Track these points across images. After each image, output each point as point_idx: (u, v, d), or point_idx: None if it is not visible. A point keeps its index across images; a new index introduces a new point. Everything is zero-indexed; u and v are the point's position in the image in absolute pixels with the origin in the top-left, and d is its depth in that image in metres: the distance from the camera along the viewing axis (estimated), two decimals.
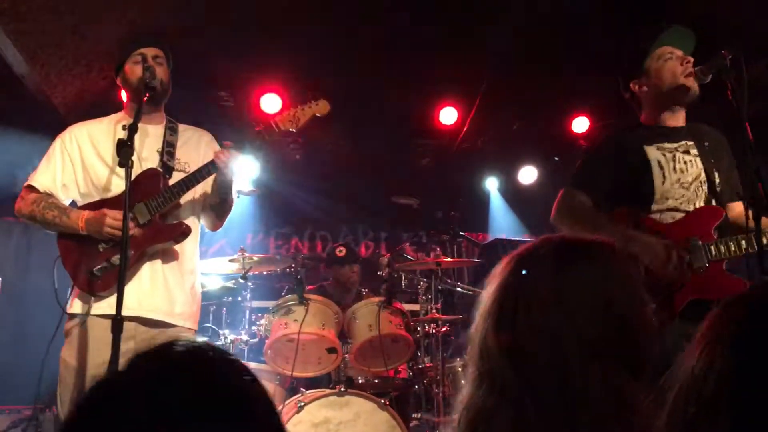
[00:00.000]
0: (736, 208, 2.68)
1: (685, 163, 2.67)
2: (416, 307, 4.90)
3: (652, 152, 2.68)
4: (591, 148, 2.84)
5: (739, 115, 2.35)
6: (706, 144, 2.71)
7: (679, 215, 2.63)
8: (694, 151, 2.69)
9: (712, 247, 2.51)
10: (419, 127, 6.59)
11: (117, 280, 2.38)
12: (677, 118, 2.76)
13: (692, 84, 2.65)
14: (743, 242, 2.46)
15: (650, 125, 2.79)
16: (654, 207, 2.64)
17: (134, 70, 2.83)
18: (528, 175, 7.09)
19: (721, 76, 2.41)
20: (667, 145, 2.70)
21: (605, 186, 2.69)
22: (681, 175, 2.65)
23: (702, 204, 2.65)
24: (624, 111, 3.02)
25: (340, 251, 5.14)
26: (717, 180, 2.67)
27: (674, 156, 2.67)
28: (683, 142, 2.71)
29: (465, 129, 6.55)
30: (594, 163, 2.82)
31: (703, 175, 2.66)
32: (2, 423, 4.14)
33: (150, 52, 2.87)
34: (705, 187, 2.66)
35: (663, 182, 2.64)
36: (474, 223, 7.24)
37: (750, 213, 2.25)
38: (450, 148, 6.83)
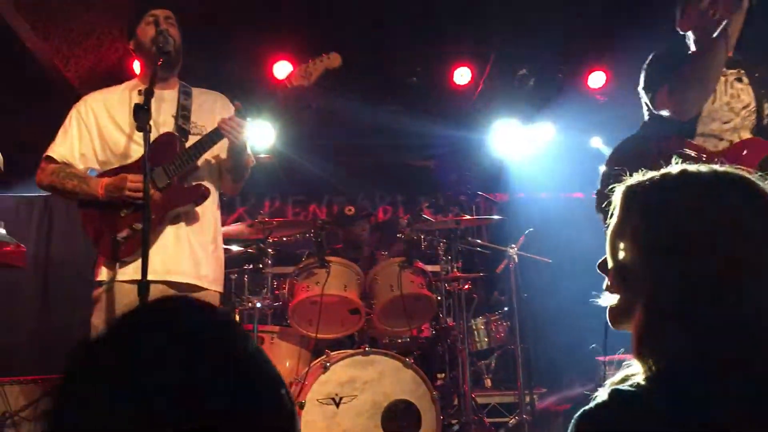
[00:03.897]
0: None
1: (738, 89, 2.63)
2: (437, 268, 4.91)
3: None
4: (651, 59, 2.77)
5: None
6: (756, 75, 2.64)
7: (722, 144, 2.57)
8: (746, 80, 2.64)
9: None
10: (433, 89, 6.53)
11: (140, 245, 2.41)
12: None
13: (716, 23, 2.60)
14: None
15: None
16: (698, 129, 2.58)
17: (147, 32, 2.81)
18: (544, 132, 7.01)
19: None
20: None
21: None
22: (731, 99, 2.60)
23: (748, 134, 2.59)
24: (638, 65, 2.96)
25: (349, 210, 5.13)
26: (766, 112, 2.60)
27: (727, 80, 2.63)
28: (735, 70, 2.67)
29: (479, 89, 6.50)
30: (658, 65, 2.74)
31: (753, 104, 2.61)
32: (35, 393, 4.22)
33: (161, 12, 2.85)
34: (753, 117, 2.60)
35: (713, 101, 2.59)
36: (490, 183, 7.20)
37: None
38: (465, 109, 6.77)
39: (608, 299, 1.16)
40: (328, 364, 3.65)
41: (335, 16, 5.27)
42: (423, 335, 4.59)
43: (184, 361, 0.76)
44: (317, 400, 3.59)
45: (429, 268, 4.54)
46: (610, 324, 1.17)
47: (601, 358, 3.85)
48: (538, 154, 6.78)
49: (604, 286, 1.17)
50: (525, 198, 6.74)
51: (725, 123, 2.58)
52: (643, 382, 1.03)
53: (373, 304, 4.17)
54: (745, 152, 2.51)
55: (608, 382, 1.14)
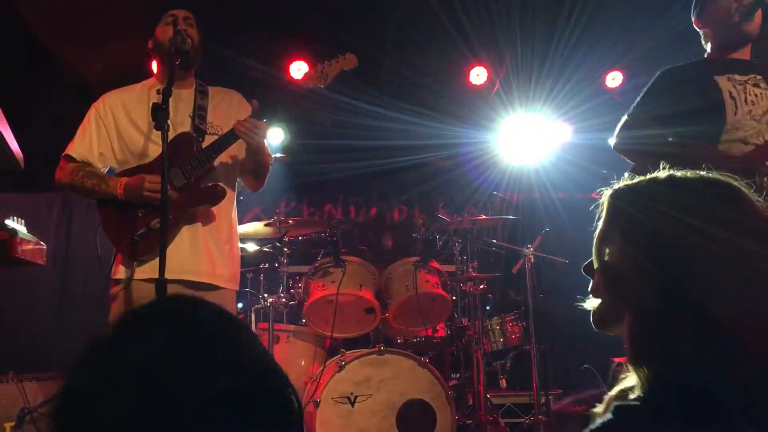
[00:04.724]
0: None
1: (756, 95, 2.63)
2: (452, 268, 4.91)
3: (723, 83, 2.65)
4: (654, 78, 2.77)
5: None
6: None
7: (748, 148, 2.58)
8: (763, 85, 2.66)
9: None
10: (450, 89, 6.53)
11: (158, 244, 2.43)
12: (742, 53, 2.72)
13: (744, 24, 2.59)
14: None
15: (717, 58, 2.76)
16: (723, 137, 2.60)
17: (165, 31, 2.83)
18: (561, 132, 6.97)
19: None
20: (737, 77, 2.67)
21: (671, 114, 2.64)
22: (752, 107, 2.61)
23: None
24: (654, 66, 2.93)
25: (389, 241, 5.21)
26: None
27: (745, 88, 2.63)
28: (752, 75, 2.67)
29: (495, 89, 6.48)
30: (658, 92, 2.76)
31: None
32: (53, 389, 4.27)
33: (180, 13, 2.87)
34: None
35: (735, 113, 2.60)
36: (506, 183, 7.17)
37: None
38: (481, 109, 6.75)
39: (593, 302, 1.17)
40: (343, 363, 3.66)
41: (351, 18, 5.28)
42: (438, 335, 4.58)
43: (187, 359, 0.77)
44: (332, 398, 3.60)
45: (444, 267, 4.54)
46: (594, 327, 1.17)
47: (616, 360, 3.82)
48: (555, 154, 6.75)
49: (590, 289, 1.18)
50: (541, 198, 6.70)
51: (748, 131, 2.58)
52: (643, 395, 1.02)
53: (389, 304, 4.17)
54: None
55: (606, 397, 1.13)
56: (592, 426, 1.00)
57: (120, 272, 2.75)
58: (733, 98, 2.61)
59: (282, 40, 5.68)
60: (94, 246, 2.80)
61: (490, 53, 6.17)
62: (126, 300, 2.72)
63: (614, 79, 6.39)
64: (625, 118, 2.77)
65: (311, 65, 5.72)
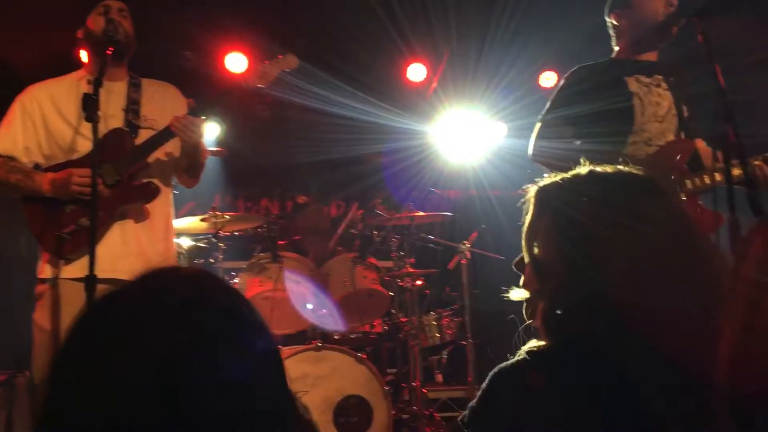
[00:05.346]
0: (700, 144, 2.76)
1: (659, 95, 2.73)
2: (390, 264, 4.93)
3: (633, 84, 2.74)
4: (565, 81, 2.83)
5: (709, 60, 2.37)
6: (672, 79, 2.79)
7: (652, 149, 2.68)
8: (664, 85, 2.76)
9: (688, 181, 2.56)
10: (388, 85, 6.54)
11: (86, 242, 2.35)
12: (651, 54, 2.81)
13: (669, 27, 2.68)
14: (716, 174, 2.49)
15: (626, 59, 2.84)
16: (630, 138, 2.68)
17: (97, 22, 2.74)
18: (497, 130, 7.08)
19: (691, 21, 2.43)
20: (644, 78, 2.76)
21: (582, 117, 2.71)
22: (656, 108, 2.71)
23: (671, 136, 2.70)
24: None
25: (301, 198, 5.12)
26: (685, 114, 2.73)
27: (650, 90, 2.73)
28: (656, 77, 2.76)
29: (433, 86, 6.54)
30: (569, 95, 2.81)
31: (673, 108, 2.74)
32: None
33: (114, 4, 2.78)
34: (675, 120, 2.73)
35: (642, 114, 2.69)
36: (443, 179, 7.25)
37: (719, 152, 2.29)
38: (419, 106, 6.80)
39: (518, 293, 1.22)
40: None
41: (288, 9, 5.23)
42: (375, 331, 4.60)
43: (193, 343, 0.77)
44: None
45: (382, 263, 4.56)
46: (527, 318, 1.22)
47: None
48: (491, 151, 6.86)
49: (521, 284, 1.22)
50: (478, 195, 6.80)
51: (652, 133, 2.69)
52: (551, 344, 1.11)
53: None
54: (674, 153, 2.62)
55: (517, 353, 1.20)
56: (503, 364, 1.09)
57: (46, 271, 2.65)
58: (640, 99, 2.72)
59: (216, 32, 5.56)
60: (19, 243, 2.70)
61: (427, 50, 6.22)
62: (53, 299, 2.62)
63: (548, 78, 6.52)
64: (538, 125, 2.83)
65: (250, 58, 5.64)
